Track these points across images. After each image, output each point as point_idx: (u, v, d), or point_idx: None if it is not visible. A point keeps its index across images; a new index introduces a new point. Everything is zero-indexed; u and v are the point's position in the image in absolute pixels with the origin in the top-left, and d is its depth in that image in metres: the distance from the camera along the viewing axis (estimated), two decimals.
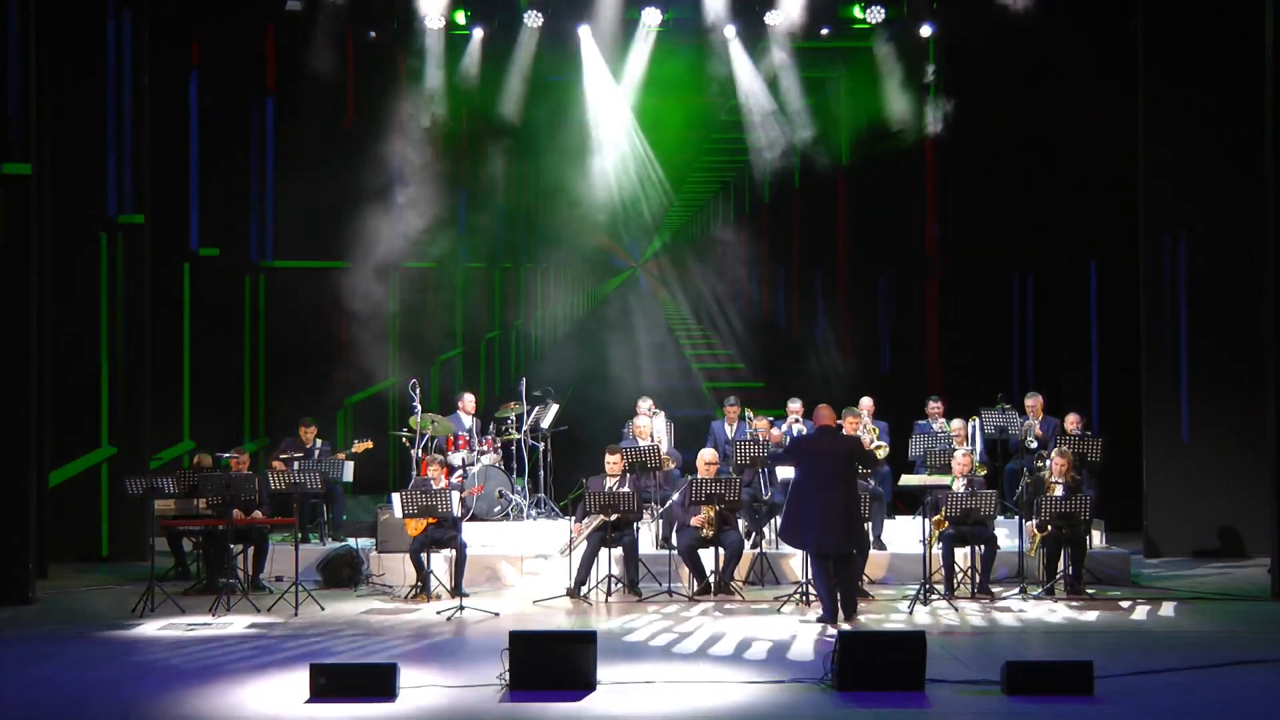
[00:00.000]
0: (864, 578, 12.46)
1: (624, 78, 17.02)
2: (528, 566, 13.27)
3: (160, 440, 15.51)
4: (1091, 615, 11.65)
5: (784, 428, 13.98)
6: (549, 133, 17.11)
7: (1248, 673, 9.47)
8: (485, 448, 14.68)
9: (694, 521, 12.55)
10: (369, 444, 14.64)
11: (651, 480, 13.52)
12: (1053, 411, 14.62)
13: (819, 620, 11.16)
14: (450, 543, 12.43)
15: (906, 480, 12.83)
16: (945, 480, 12.53)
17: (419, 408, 14.43)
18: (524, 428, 14.94)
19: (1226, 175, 14.71)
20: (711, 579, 12.56)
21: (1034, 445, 14.08)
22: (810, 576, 11.67)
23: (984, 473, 13.45)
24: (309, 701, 8.65)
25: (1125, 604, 12.17)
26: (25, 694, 9.00)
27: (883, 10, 16.45)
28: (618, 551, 12.68)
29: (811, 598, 11.73)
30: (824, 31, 16.73)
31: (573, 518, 13.03)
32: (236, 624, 11.31)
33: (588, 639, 9.01)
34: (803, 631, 10.93)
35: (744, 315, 17.89)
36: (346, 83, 16.87)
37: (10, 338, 12.43)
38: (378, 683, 8.73)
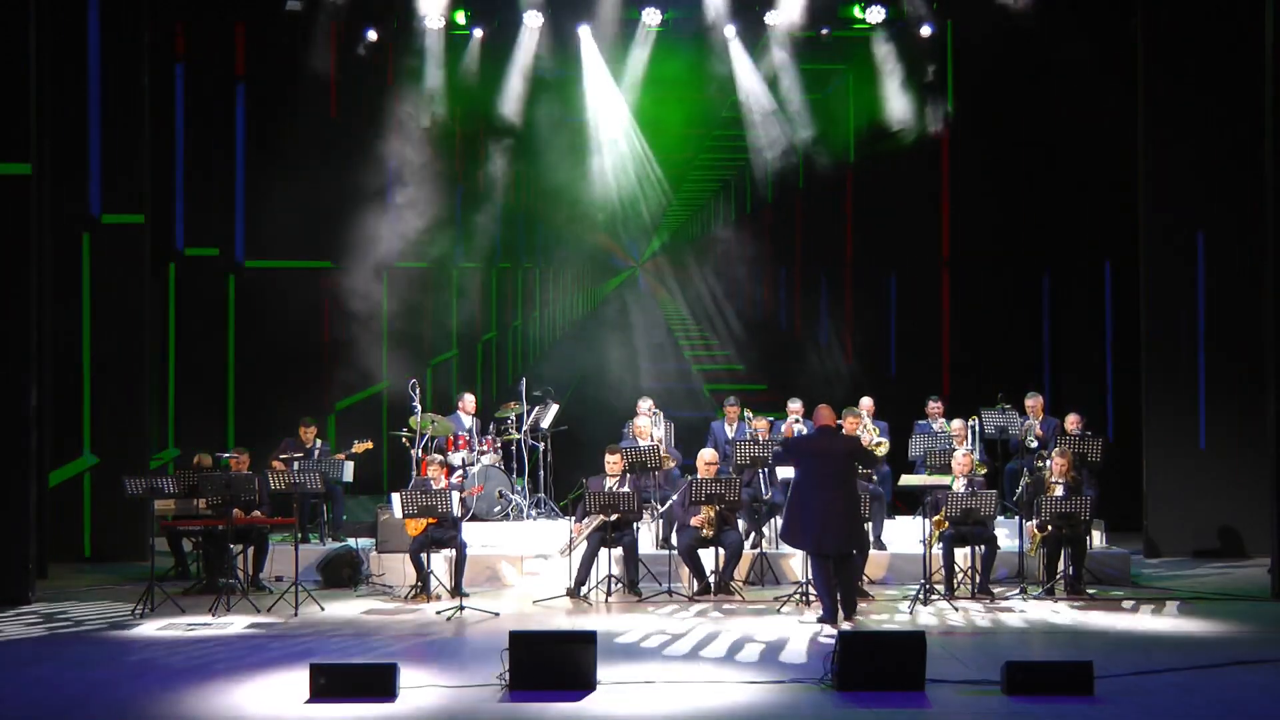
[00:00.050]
0: (864, 578, 12.46)
1: (624, 78, 17.02)
2: (528, 566, 13.27)
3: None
4: (1091, 615, 11.64)
5: (784, 428, 13.97)
6: (549, 133, 17.11)
7: (1248, 673, 9.47)
8: (485, 448, 14.68)
9: (694, 521, 12.55)
10: (369, 444, 14.66)
11: (651, 480, 13.52)
12: (1053, 411, 14.62)
13: (819, 620, 11.16)
14: (450, 543, 12.43)
15: (906, 480, 12.83)
16: (945, 480, 12.53)
17: (419, 408, 14.43)
18: (524, 428, 14.95)
19: (1227, 175, 14.70)
20: (711, 579, 12.56)
21: (1034, 445, 14.08)
22: (810, 576, 11.67)
23: (984, 471, 13.45)
24: (309, 701, 8.65)
25: (1125, 604, 12.17)
26: (25, 694, 9.00)
27: (883, 10, 16.47)
28: (618, 551, 12.68)
29: (811, 598, 11.73)
30: (824, 31, 16.73)
31: (573, 518, 13.03)
32: (236, 624, 11.31)
33: (588, 639, 9.01)
34: (803, 631, 10.93)
35: (744, 315, 17.89)
36: (345, 82, 16.84)
37: (10, 338, 12.44)
38: (378, 683, 8.73)
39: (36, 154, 12.65)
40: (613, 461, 12.86)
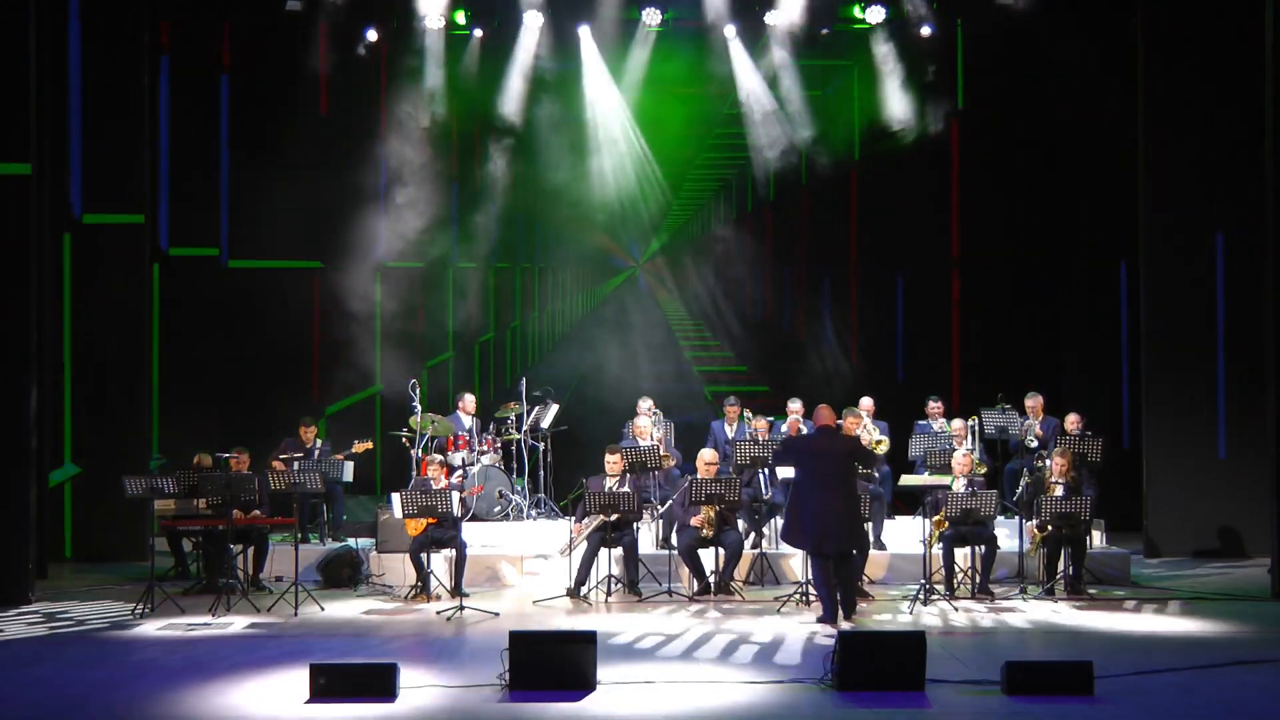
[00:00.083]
0: (864, 578, 12.46)
1: (624, 77, 17.04)
2: (528, 566, 13.27)
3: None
4: (1091, 615, 11.64)
5: (784, 428, 13.97)
6: (549, 133, 17.11)
7: (1248, 673, 9.47)
8: (485, 448, 14.68)
9: (694, 521, 12.55)
10: (369, 444, 14.67)
11: (651, 480, 13.52)
12: (1052, 411, 14.62)
13: (819, 620, 11.16)
14: (450, 543, 12.43)
15: (906, 480, 12.84)
16: (945, 480, 12.54)
17: (419, 408, 14.43)
18: (524, 428, 14.95)
19: (1227, 175, 14.70)
20: (711, 579, 12.56)
21: (1034, 445, 14.08)
22: (810, 576, 11.67)
23: (984, 471, 13.45)
24: (309, 701, 8.64)
25: (1125, 604, 12.17)
26: (25, 694, 8.99)
27: (883, 10, 16.47)
28: (618, 551, 12.68)
29: (811, 598, 11.73)
30: (824, 31, 16.74)
31: (573, 518, 13.03)
32: (236, 624, 11.31)
33: (588, 639, 9.01)
34: (803, 631, 10.92)
35: (745, 315, 17.89)
36: (342, 82, 16.81)
37: (10, 338, 12.44)
38: (378, 683, 8.73)
39: (36, 154, 12.65)
40: (613, 461, 12.86)
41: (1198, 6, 14.83)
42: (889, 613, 11.74)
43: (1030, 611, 11.75)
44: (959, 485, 12.50)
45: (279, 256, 16.83)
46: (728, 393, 15.67)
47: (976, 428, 14.08)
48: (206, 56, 16.33)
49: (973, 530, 12.33)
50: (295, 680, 8.97)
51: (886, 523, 13.80)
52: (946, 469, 12.84)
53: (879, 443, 13.78)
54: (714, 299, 17.91)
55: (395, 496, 12.33)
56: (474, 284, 17.54)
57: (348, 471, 14.33)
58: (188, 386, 16.04)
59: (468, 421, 15.01)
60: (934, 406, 14.79)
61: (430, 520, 12.32)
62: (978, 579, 12.36)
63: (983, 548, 12.37)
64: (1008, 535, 13.25)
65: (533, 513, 14.64)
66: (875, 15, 16.55)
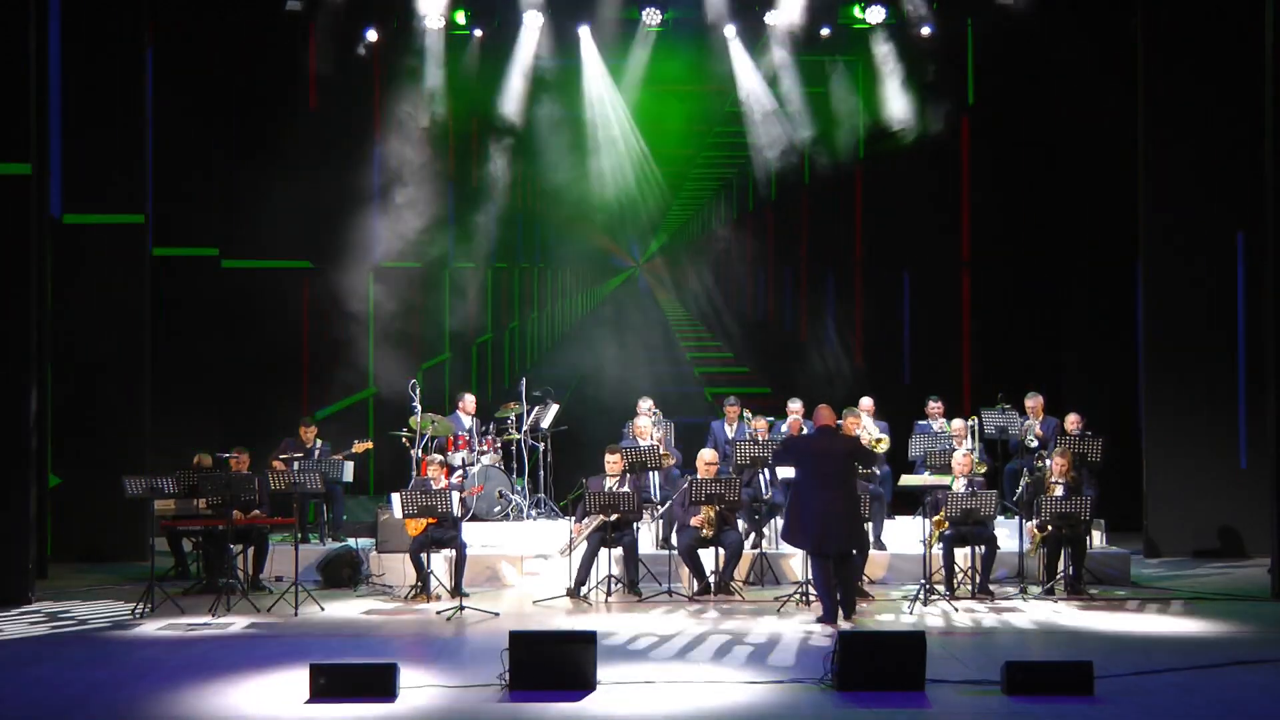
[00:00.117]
0: (864, 578, 12.45)
1: (624, 77, 17.04)
2: (528, 566, 13.27)
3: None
4: (1091, 615, 11.64)
5: (784, 428, 13.97)
6: (549, 132, 17.11)
7: (1248, 673, 9.47)
8: (485, 448, 14.68)
9: (694, 521, 12.55)
10: (369, 444, 14.67)
11: (651, 480, 13.51)
12: (1052, 411, 14.62)
13: (819, 620, 11.17)
14: (450, 543, 12.43)
15: (906, 480, 12.84)
16: (945, 480, 12.54)
17: (419, 408, 14.43)
18: (524, 428, 14.95)
19: (1227, 175, 14.69)
20: (711, 579, 12.56)
21: (1034, 445, 14.08)
22: (810, 576, 11.67)
23: (983, 470, 13.46)
24: (309, 701, 8.65)
25: (1125, 604, 12.17)
26: (25, 694, 9.00)
27: (883, 10, 16.47)
28: (618, 551, 12.68)
29: (811, 598, 11.73)
30: (824, 31, 16.74)
31: (573, 518, 13.03)
32: (236, 624, 11.31)
33: (588, 639, 9.01)
34: (803, 632, 10.92)
35: (746, 315, 17.88)
36: (339, 81, 16.79)
37: (10, 338, 12.44)
38: (378, 683, 8.73)
39: (36, 154, 12.65)
40: (613, 461, 12.86)
41: (1198, 6, 14.82)
42: (889, 613, 11.74)
43: (1030, 611, 11.75)
44: (959, 485, 12.50)
45: (274, 257, 16.79)
46: (728, 394, 15.66)
47: (976, 428, 14.08)
48: (203, 56, 16.24)
49: (973, 530, 12.33)
50: (295, 680, 8.97)
51: (886, 523, 13.80)
52: (946, 469, 12.84)
53: (879, 441, 13.77)
54: (714, 299, 17.91)
55: (395, 496, 12.33)
56: (472, 284, 17.52)
57: (348, 471, 14.33)
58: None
59: (468, 422, 15.01)
60: (934, 406, 14.79)
61: (430, 520, 12.32)
62: (978, 579, 12.36)
63: (983, 548, 12.37)
64: (1008, 535, 13.25)
65: (533, 513, 14.64)
66: (875, 15, 16.54)
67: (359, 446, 14.54)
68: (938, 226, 17.35)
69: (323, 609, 11.91)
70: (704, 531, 12.52)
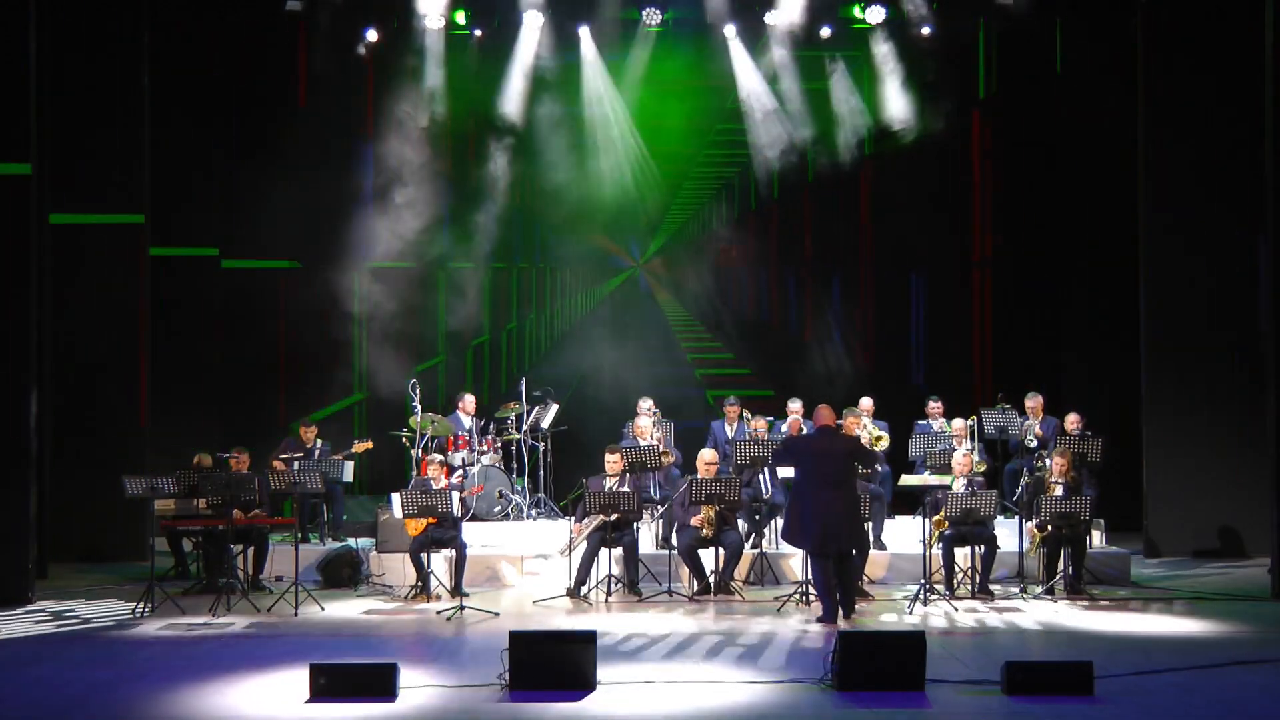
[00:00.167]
0: (864, 578, 12.45)
1: (624, 77, 17.03)
2: (528, 566, 13.27)
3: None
4: (1091, 615, 11.64)
5: (784, 428, 13.97)
6: (549, 132, 17.10)
7: (1248, 673, 9.47)
8: (485, 448, 14.68)
9: (694, 521, 12.55)
10: (369, 444, 14.65)
11: (651, 480, 13.52)
12: (1052, 411, 14.62)
13: (819, 620, 11.17)
14: (450, 543, 12.43)
15: (906, 480, 12.84)
16: (945, 480, 12.54)
17: (419, 408, 14.43)
18: (524, 428, 14.95)
19: (1227, 175, 14.69)
20: (711, 579, 12.56)
21: (1034, 445, 14.08)
22: (810, 576, 11.67)
23: (983, 469, 13.46)
24: (309, 701, 8.65)
25: (1125, 604, 12.17)
26: (25, 694, 9.00)
27: (883, 10, 16.47)
28: (618, 551, 12.68)
29: (811, 598, 11.73)
30: (824, 31, 16.73)
31: (573, 518, 13.03)
32: (236, 624, 11.31)
33: (588, 639, 9.01)
34: (803, 631, 10.93)
35: (747, 315, 17.88)
36: (338, 81, 16.76)
37: (10, 339, 12.44)
38: (378, 683, 8.73)
39: (36, 154, 12.64)
40: (613, 461, 12.86)
41: (1198, 6, 14.82)
42: (889, 613, 11.75)
43: (1030, 611, 11.76)
44: (959, 485, 12.50)
45: (274, 256, 16.76)
46: (730, 395, 15.66)
47: (976, 428, 14.08)
48: (202, 56, 16.20)
49: (973, 530, 12.33)
50: (295, 680, 8.97)
51: (886, 523, 13.80)
52: (946, 469, 12.84)
53: (879, 438, 13.79)
54: (715, 299, 17.90)
55: (395, 496, 12.33)
56: (470, 285, 17.49)
57: (348, 471, 14.32)
58: (188, 386, 15.90)
59: (468, 422, 15.01)
60: (934, 406, 14.79)
61: (430, 520, 12.32)
62: (978, 579, 12.36)
63: (983, 548, 12.37)
64: (1008, 535, 13.24)
65: (533, 513, 14.64)
66: (875, 15, 16.54)
67: (359, 446, 14.53)
68: (945, 226, 17.33)
69: (323, 609, 11.91)
70: (704, 531, 12.52)
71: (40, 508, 12.87)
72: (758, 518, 13.39)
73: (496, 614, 11.61)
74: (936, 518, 12.28)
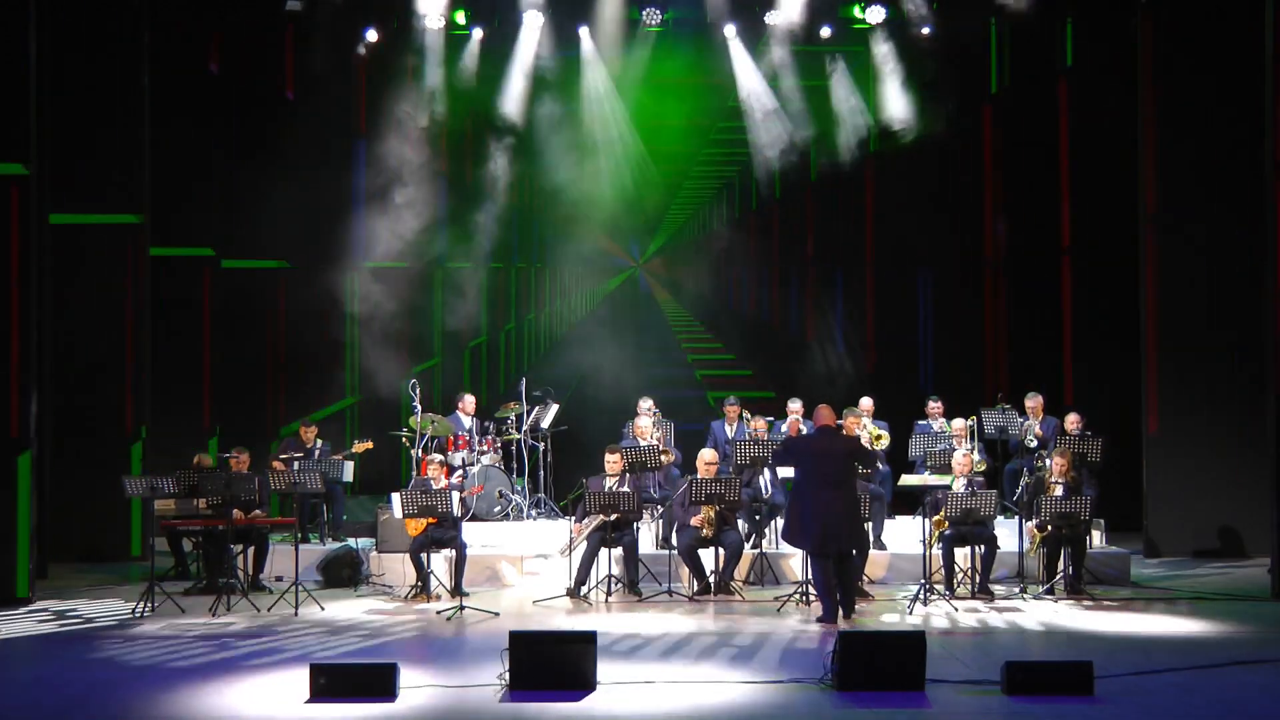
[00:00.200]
0: (864, 578, 12.45)
1: (624, 77, 17.03)
2: (528, 566, 13.27)
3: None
4: (1091, 615, 11.64)
5: (784, 428, 13.97)
6: (549, 132, 17.10)
7: (1248, 673, 9.47)
8: (485, 448, 14.68)
9: (694, 521, 12.55)
10: (369, 444, 14.64)
11: (651, 479, 13.52)
12: (1052, 411, 14.62)
13: (819, 620, 11.17)
14: (450, 543, 12.42)
15: (906, 480, 12.84)
16: (945, 480, 12.54)
17: (419, 408, 14.43)
18: (524, 428, 14.95)
19: (1227, 174, 14.69)
20: (711, 579, 12.56)
21: (1034, 445, 14.08)
22: (810, 576, 11.67)
23: (983, 468, 13.46)
24: (309, 701, 8.65)
25: (1126, 604, 12.17)
26: (25, 694, 9.00)
27: (883, 10, 16.47)
28: (618, 551, 12.67)
29: (811, 598, 11.73)
30: (824, 31, 16.74)
31: (573, 518, 13.03)
32: (236, 624, 11.31)
33: (588, 639, 9.01)
34: (803, 631, 10.93)
35: (748, 316, 17.87)
36: (341, 80, 16.77)
37: (10, 338, 12.43)
38: (378, 683, 8.73)
39: (36, 154, 12.64)
40: (613, 461, 12.85)
41: (1198, 6, 14.82)
42: (889, 613, 11.74)
43: (1030, 611, 11.75)
44: (959, 485, 12.50)
45: (274, 257, 16.74)
46: (729, 395, 15.66)
47: (976, 428, 14.08)
48: (201, 56, 16.18)
49: (973, 530, 12.33)
50: (295, 680, 8.97)
51: (886, 523, 13.80)
52: (946, 469, 12.84)
53: (879, 437, 13.79)
54: (715, 299, 17.90)
55: (395, 496, 12.33)
56: (469, 285, 17.48)
57: (348, 471, 14.32)
58: (188, 386, 15.88)
59: (467, 422, 15.01)
60: (934, 406, 14.79)
61: (430, 520, 12.32)
62: (978, 579, 12.36)
63: (983, 548, 12.37)
64: (1008, 535, 13.24)
65: (533, 513, 14.64)
66: (875, 15, 16.54)
67: (359, 446, 14.53)
68: (945, 225, 17.32)
69: (323, 609, 11.91)
70: (704, 531, 12.52)
71: (40, 508, 12.88)
72: (758, 518, 13.38)
73: (496, 614, 11.60)
74: (936, 518, 12.28)
